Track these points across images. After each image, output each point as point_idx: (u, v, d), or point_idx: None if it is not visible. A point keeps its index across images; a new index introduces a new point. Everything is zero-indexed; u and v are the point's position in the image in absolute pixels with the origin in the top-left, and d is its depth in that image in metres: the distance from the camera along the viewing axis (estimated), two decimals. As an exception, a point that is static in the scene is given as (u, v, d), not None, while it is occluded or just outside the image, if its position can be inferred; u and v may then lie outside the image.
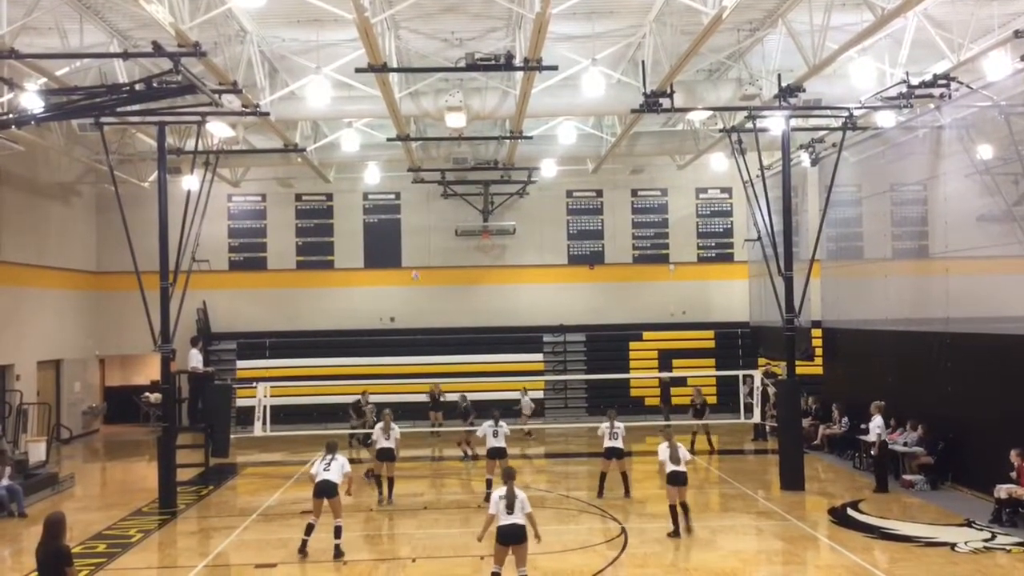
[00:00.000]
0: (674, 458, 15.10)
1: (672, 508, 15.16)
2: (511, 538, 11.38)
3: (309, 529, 14.37)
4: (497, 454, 18.19)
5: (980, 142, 18.28)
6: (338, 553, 14.14)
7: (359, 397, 25.19)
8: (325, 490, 14.26)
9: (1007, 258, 17.20)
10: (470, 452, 22.84)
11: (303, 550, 14.28)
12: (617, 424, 18.36)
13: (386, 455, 17.97)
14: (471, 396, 26.16)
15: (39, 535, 9.30)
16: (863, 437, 20.30)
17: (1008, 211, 17.25)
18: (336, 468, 14.41)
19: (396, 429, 18.12)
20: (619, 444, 18.28)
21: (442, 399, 27.15)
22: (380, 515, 17.37)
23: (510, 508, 11.37)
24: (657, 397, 29.21)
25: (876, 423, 18.76)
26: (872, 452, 18.70)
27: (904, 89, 17.92)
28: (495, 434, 18.26)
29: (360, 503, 18.05)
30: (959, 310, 18.39)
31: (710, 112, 21.53)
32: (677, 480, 15.05)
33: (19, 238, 26.11)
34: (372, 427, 20.13)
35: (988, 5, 16.92)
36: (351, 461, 15.72)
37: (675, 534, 15.02)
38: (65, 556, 9.14)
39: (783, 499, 18.12)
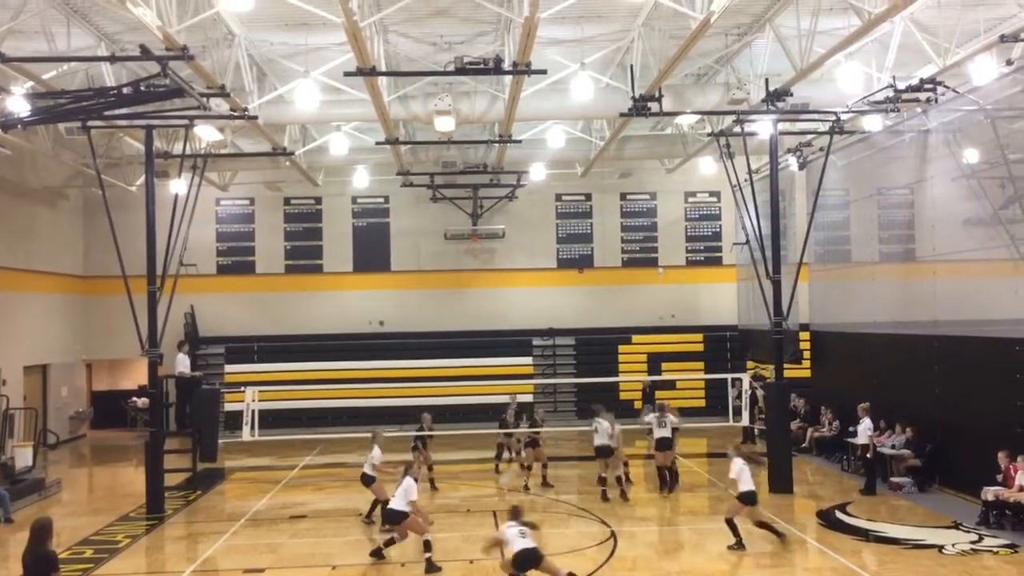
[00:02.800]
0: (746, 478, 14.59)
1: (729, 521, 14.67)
2: (527, 563, 11.51)
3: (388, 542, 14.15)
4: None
5: (966, 146, 18.40)
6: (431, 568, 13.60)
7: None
8: (387, 517, 14.34)
9: (994, 261, 17.31)
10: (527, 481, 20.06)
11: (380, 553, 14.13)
12: (668, 415, 18.73)
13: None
14: (463, 400, 26.16)
15: (25, 541, 9.24)
16: (852, 440, 20.35)
17: (994, 214, 17.37)
18: (400, 494, 13.94)
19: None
20: (668, 434, 18.54)
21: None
22: (370, 520, 17.29)
23: (524, 535, 11.62)
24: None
25: (865, 425, 18.82)
26: (868, 455, 18.72)
27: (891, 93, 18.01)
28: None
29: (351, 509, 18.01)
30: (946, 313, 18.49)
31: (698, 116, 21.57)
32: (747, 500, 14.55)
33: (6, 242, 25.97)
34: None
35: (974, 9, 17.02)
36: None
37: (738, 546, 14.37)
38: (51, 562, 9.09)
39: (772, 502, 18.11)
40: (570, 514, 17.44)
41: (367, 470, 16.54)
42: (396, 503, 13.99)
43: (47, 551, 9.12)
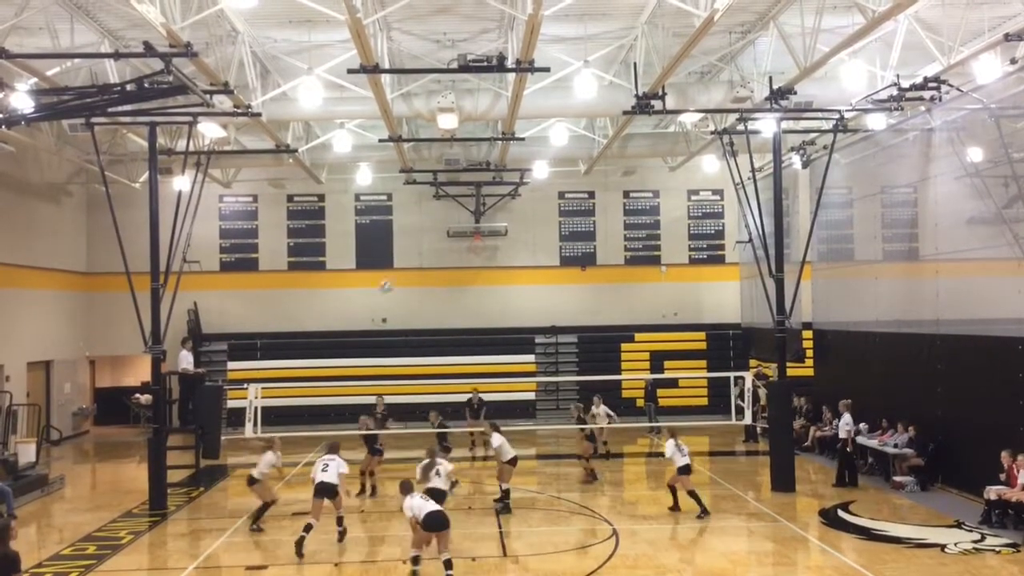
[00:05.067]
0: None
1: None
2: (437, 525, 12.65)
3: (307, 528, 14.54)
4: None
5: (970, 145, 18.36)
6: (341, 535, 15.11)
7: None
8: (324, 490, 14.75)
9: (997, 260, 17.28)
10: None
11: (300, 551, 14.26)
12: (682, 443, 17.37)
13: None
14: (465, 397, 26.19)
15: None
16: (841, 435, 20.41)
17: (998, 213, 17.34)
18: (333, 469, 14.89)
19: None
20: (689, 460, 17.33)
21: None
22: (372, 517, 17.35)
23: (426, 499, 12.98)
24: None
25: (845, 420, 19.36)
26: (846, 448, 19.24)
27: (895, 92, 17.99)
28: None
29: (352, 506, 18.01)
30: (949, 312, 18.47)
31: (702, 114, 21.55)
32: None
33: (9, 238, 26.00)
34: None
35: (978, 8, 16.99)
36: None
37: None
38: (13, 562, 9.12)
39: (774, 500, 18.16)
40: (572, 512, 17.44)
41: (256, 474, 16.29)
42: (329, 477, 14.83)
43: (8, 551, 9.17)
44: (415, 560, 12.94)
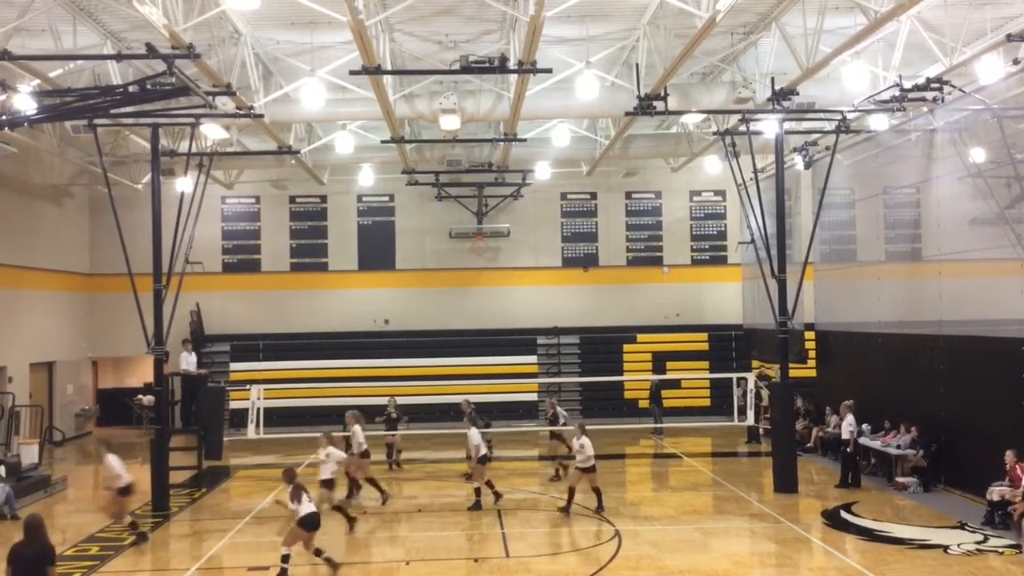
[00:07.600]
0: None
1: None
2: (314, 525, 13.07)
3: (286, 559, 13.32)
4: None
5: (972, 145, 18.36)
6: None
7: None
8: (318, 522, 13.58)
9: (999, 261, 17.26)
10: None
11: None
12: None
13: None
14: (466, 398, 26.17)
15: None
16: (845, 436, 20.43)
17: (1000, 214, 17.33)
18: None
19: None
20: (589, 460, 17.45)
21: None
22: (373, 518, 17.35)
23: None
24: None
25: (848, 421, 19.36)
26: (847, 449, 19.27)
27: (897, 92, 17.97)
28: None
29: (354, 506, 18.02)
30: (952, 313, 18.46)
31: (704, 115, 21.53)
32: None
33: (11, 240, 26.04)
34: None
35: (981, 9, 16.98)
36: None
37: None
38: (49, 556, 9.16)
39: (776, 501, 18.15)
40: (574, 513, 17.42)
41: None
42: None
43: (47, 543, 9.20)
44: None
